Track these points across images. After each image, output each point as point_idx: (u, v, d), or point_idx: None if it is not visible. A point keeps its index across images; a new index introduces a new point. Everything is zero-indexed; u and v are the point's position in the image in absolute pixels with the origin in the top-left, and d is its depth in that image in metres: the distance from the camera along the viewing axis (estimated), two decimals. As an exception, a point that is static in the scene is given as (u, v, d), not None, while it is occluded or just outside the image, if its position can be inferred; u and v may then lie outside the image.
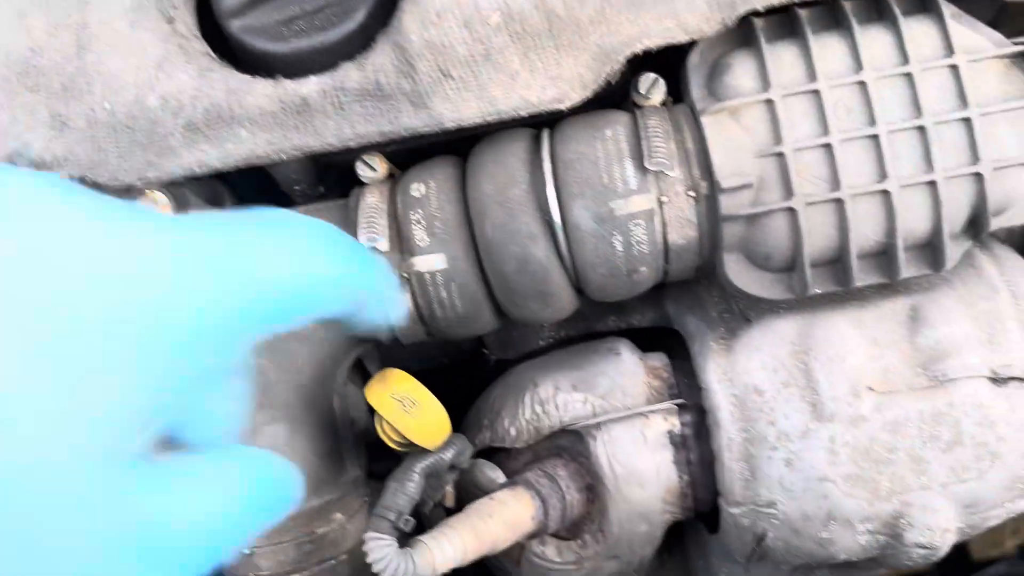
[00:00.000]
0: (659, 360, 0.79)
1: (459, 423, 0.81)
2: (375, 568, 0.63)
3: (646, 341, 0.81)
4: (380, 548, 0.63)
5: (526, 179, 0.65)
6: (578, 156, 0.65)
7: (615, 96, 0.67)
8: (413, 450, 0.70)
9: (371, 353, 0.84)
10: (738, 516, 0.70)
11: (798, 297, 0.66)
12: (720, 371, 0.70)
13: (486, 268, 0.67)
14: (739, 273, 0.65)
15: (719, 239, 0.64)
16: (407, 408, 0.67)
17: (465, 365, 0.93)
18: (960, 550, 1.38)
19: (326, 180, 0.76)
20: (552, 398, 0.77)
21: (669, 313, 0.82)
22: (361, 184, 0.70)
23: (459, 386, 0.85)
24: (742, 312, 0.73)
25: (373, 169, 0.69)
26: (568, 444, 0.78)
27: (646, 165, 0.63)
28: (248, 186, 0.78)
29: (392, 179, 0.71)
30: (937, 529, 0.64)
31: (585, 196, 0.64)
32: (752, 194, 0.63)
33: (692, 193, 0.64)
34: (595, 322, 0.88)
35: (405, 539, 0.66)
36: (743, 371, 0.69)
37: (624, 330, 0.86)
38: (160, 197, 0.67)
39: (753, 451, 0.68)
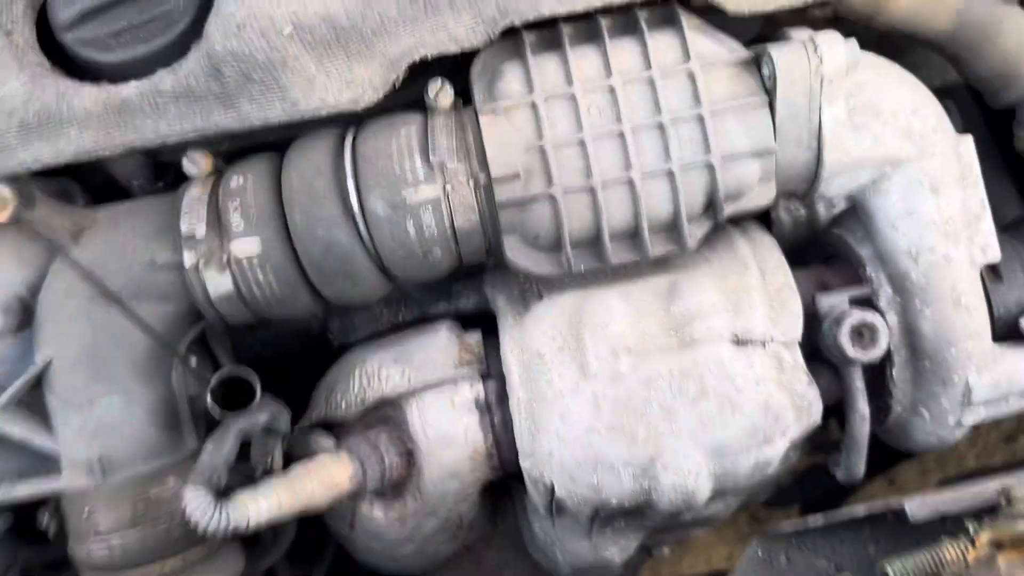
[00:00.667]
0: (473, 337, 0.88)
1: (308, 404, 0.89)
2: (191, 518, 0.71)
3: (479, 323, 0.90)
4: (196, 499, 0.71)
5: (330, 172, 0.74)
6: (375, 151, 0.74)
7: (421, 99, 0.76)
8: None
9: (221, 338, 0.92)
10: (529, 468, 0.79)
11: (566, 273, 0.76)
12: (513, 341, 0.80)
13: (298, 252, 0.75)
14: (517, 253, 0.75)
15: (498, 223, 0.74)
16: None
17: (312, 350, 1.01)
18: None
19: (165, 177, 0.84)
20: (376, 372, 0.86)
21: (487, 294, 0.91)
22: (187, 178, 0.78)
23: (311, 370, 0.94)
24: (537, 290, 0.83)
25: (197, 165, 0.78)
26: (392, 413, 0.86)
27: (431, 158, 0.72)
28: (96, 182, 0.86)
29: (219, 175, 0.79)
30: (688, 472, 0.73)
31: (380, 186, 0.73)
32: (522, 183, 0.73)
33: (473, 182, 0.73)
34: (428, 307, 0.97)
35: (224, 496, 0.74)
36: (530, 339, 0.79)
37: (455, 314, 0.95)
38: (4, 191, 0.75)
39: (536, 408, 0.77)
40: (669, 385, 0.74)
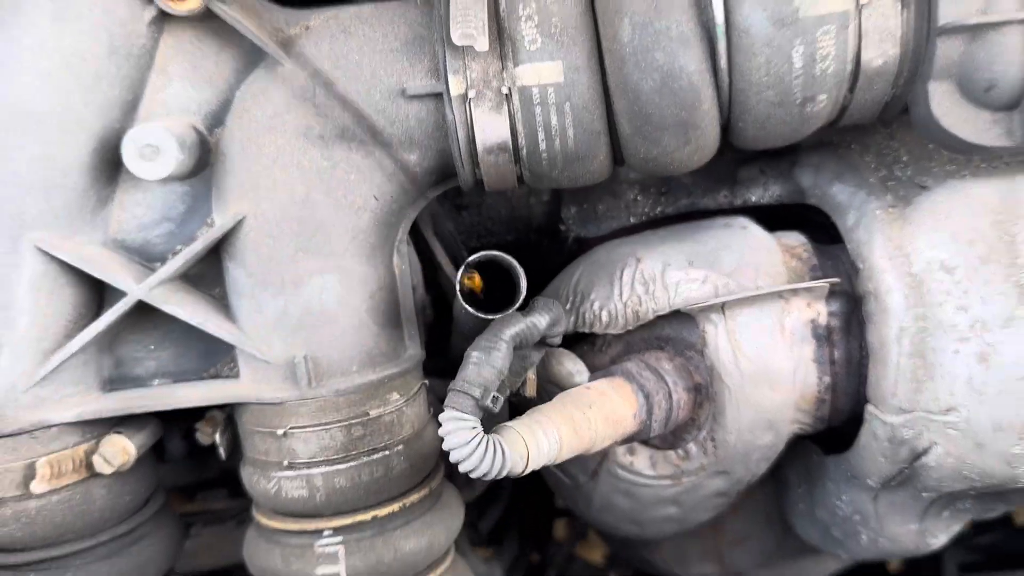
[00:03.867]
0: (795, 239, 0.64)
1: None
2: (454, 456, 0.48)
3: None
4: (462, 432, 0.49)
5: None
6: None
7: None
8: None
9: (425, 218, 0.69)
10: (897, 426, 0.56)
11: (1017, 148, 0.51)
12: (892, 245, 0.56)
13: (613, 85, 0.51)
14: (949, 109, 0.50)
15: (929, 61, 0.49)
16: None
17: (533, 245, 0.78)
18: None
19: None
20: (659, 276, 0.62)
21: (803, 185, 0.67)
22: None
23: (528, 269, 0.70)
24: (911, 179, 0.58)
25: (469, -49, 0.53)
26: (674, 334, 0.63)
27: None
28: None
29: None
30: None
31: (759, -5, 0.48)
32: (982, 2, 0.48)
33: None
34: (701, 198, 0.73)
35: (490, 423, 0.51)
36: (926, 245, 0.55)
37: (738, 208, 0.71)
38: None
39: (933, 344, 0.53)
40: None
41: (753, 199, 0.71)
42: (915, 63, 0.50)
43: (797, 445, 0.70)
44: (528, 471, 0.51)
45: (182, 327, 0.57)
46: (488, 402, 0.51)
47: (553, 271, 0.72)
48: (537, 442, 0.51)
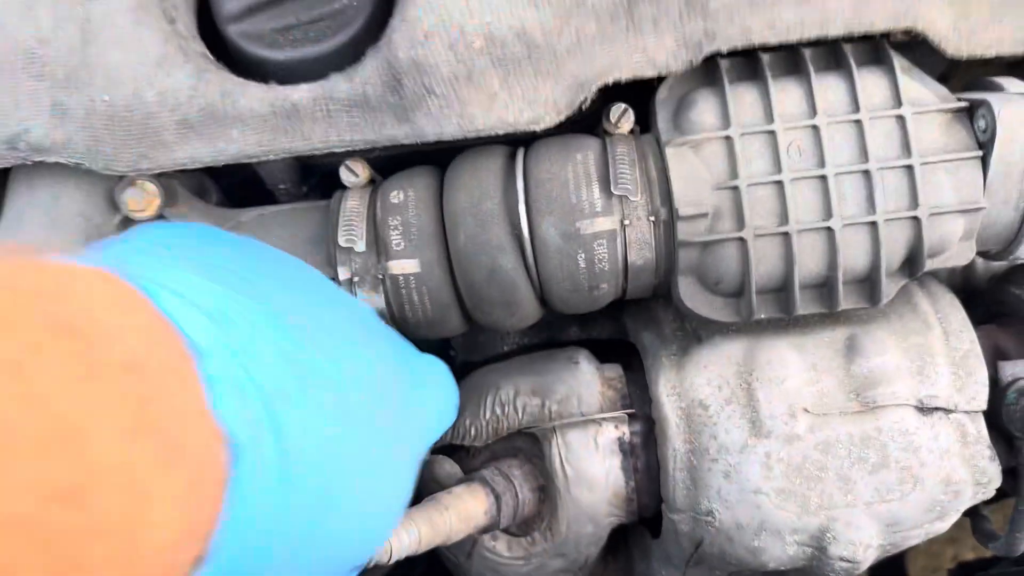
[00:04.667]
0: (614, 371, 0.83)
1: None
2: (333, 551, 0.67)
3: (605, 351, 0.86)
4: (339, 533, 0.67)
5: (499, 194, 0.69)
6: (550, 176, 0.69)
7: (587, 121, 0.71)
8: (376, 442, 0.74)
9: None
10: (678, 523, 0.75)
11: (744, 321, 0.71)
12: (670, 385, 0.75)
13: (456, 275, 0.71)
14: (691, 295, 0.70)
15: (675, 262, 0.69)
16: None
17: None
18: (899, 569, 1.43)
19: (309, 180, 0.80)
20: (512, 401, 0.81)
21: (627, 327, 0.87)
22: (343, 187, 0.74)
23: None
24: (694, 331, 0.78)
25: (355, 175, 0.73)
26: (524, 445, 0.82)
27: (612, 190, 0.67)
28: (233, 180, 0.81)
29: (373, 184, 0.75)
30: (859, 544, 0.69)
31: (554, 214, 0.68)
32: (707, 223, 0.68)
33: (652, 218, 0.68)
34: (558, 332, 0.93)
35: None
36: (691, 386, 0.74)
37: (584, 340, 0.91)
38: (150, 187, 0.71)
39: (695, 462, 0.72)
40: (848, 452, 0.69)
41: (595, 334, 0.90)
42: (668, 263, 0.70)
43: (634, 529, 0.89)
44: (393, 559, 0.69)
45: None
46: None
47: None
48: (399, 539, 0.69)
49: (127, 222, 0.73)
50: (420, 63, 0.65)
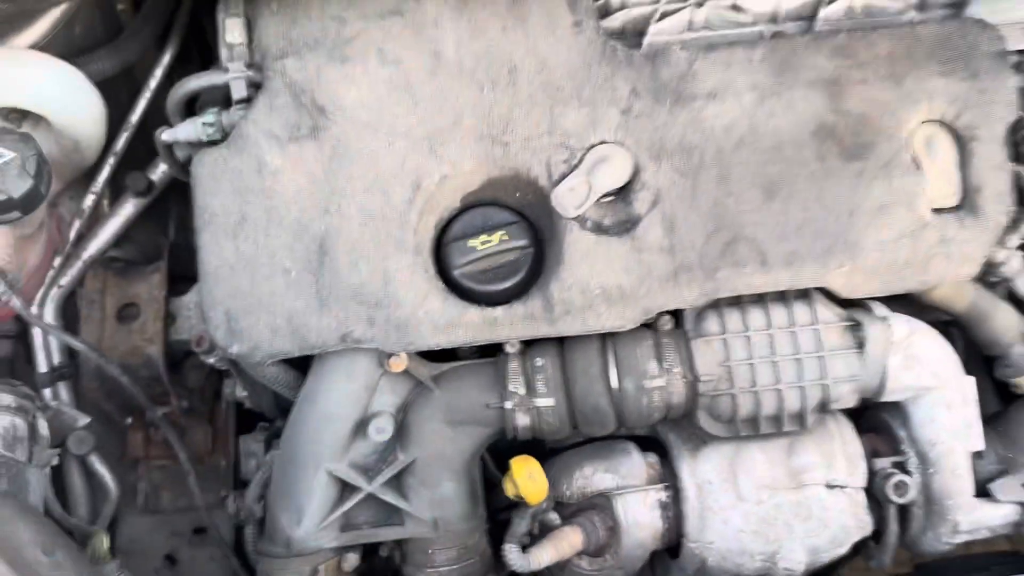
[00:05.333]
0: (653, 458, 1.40)
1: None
2: (511, 562, 1.23)
3: (642, 444, 1.43)
4: (513, 551, 1.23)
5: (599, 364, 1.26)
6: (628, 354, 1.26)
7: (647, 323, 1.29)
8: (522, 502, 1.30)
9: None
10: (693, 548, 1.31)
11: (733, 436, 1.28)
12: (689, 469, 1.32)
13: (574, 407, 1.27)
14: (705, 421, 1.28)
15: (696, 403, 1.27)
16: (533, 478, 1.27)
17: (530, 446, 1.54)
18: None
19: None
20: (592, 475, 1.38)
21: (658, 431, 1.44)
22: (505, 354, 1.30)
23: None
24: (702, 437, 1.35)
25: (514, 346, 1.29)
26: (599, 501, 1.38)
27: (662, 363, 1.25)
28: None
29: (523, 352, 1.31)
30: (796, 562, 1.26)
31: (630, 375, 1.25)
32: (714, 383, 1.26)
33: (685, 379, 1.26)
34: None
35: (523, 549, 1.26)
36: (702, 470, 1.31)
37: (627, 435, 1.47)
38: (404, 356, 1.26)
39: (706, 514, 1.30)
40: (791, 511, 1.27)
41: (636, 432, 1.47)
42: (692, 403, 1.27)
43: (659, 555, 1.45)
44: (539, 568, 1.25)
45: (377, 501, 1.30)
46: (520, 541, 1.25)
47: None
48: (540, 557, 1.25)
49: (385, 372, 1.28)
50: (564, 299, 1.22)
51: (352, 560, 1.30)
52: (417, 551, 1.30)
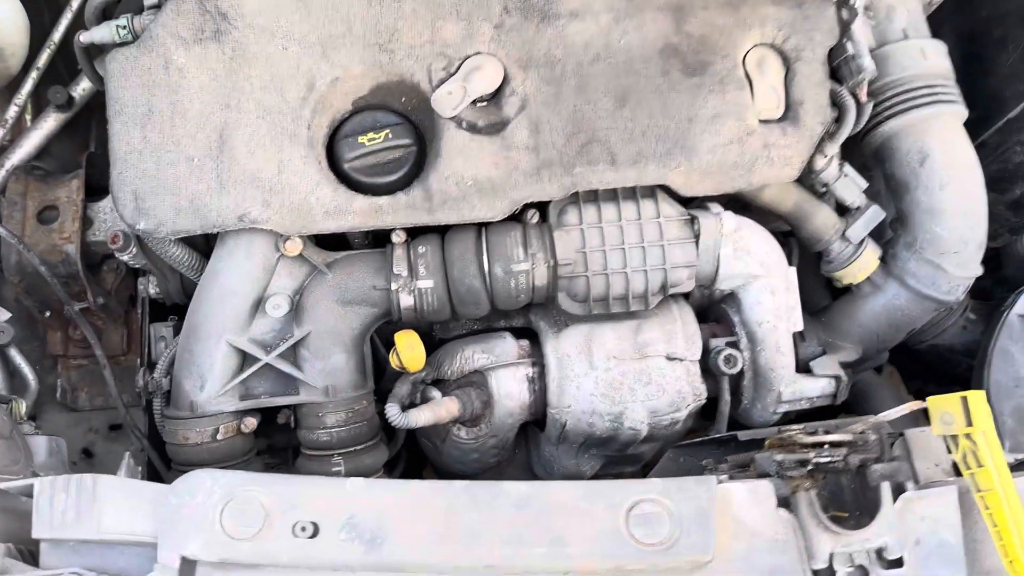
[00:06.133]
0: (524, 342, 1.59)
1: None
2: (390, 419, 1.41)
3: (516, 332, 1.62)
4: (392, 410, 1.41)
5: (473, 251, 1.44)
6: (498, 242, 1.44)
7: (515, 216, 1.47)
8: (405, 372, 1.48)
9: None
10: (554, 413, 1.51)
11: (588, 315, 1.48)
12: (552, 346, 1.52)
13: (451, 289, 1.45)
14: (565, 301, 1.48)
15: (556, 286, 1.46)
16: (412, 348, 1.44)
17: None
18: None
19: (368, 238, 1.53)
20: (472, 356, 1.56)
21: (531, 319, 1.63)
22: (391, 243, 1.47)
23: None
24: (565, 320, 1.54)
25: (400, 236, 1.47)
26: (476, 379, 1.56)
27: (527, 249, 1.44)
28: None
29: (407, 241, 1.48)
30: (638, 421, 1.47)
31: (500, 260, 1.44)
32: (572, 268, 1.45)
33: (547, 264, 1.45)
34: (493, 322, 1.68)
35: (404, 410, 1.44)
36: (562, 346, 1.51)
37: (506, 327, 1.66)
38: (296, 238, 1.42)
39: (563, 382, 1.49)
40: (634, 377, 1.47)
41: (513, 323, 1.66)
42: (553, 286, 1.47)
43: (530, 428, 1.65)
44: (415, 426, 1.43)
45: (275, 372, 1.46)
46: (400, 402, 1.43)
47: (432, 349, 1.64)
48: (418, 416, 1.43)
49: (281, 256, 1.44)
50: (441, 190, 1.40)
51: (251, 423, 1.47)
52: (310, 415, 1.47)
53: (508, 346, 1.57)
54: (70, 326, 1.88)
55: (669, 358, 1.50)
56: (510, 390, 1.53)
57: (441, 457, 1.63)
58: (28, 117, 1.91)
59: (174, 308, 1.71)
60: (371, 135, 1.44)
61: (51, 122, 1.85)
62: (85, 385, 1.94)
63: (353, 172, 1.43)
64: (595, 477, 1.67)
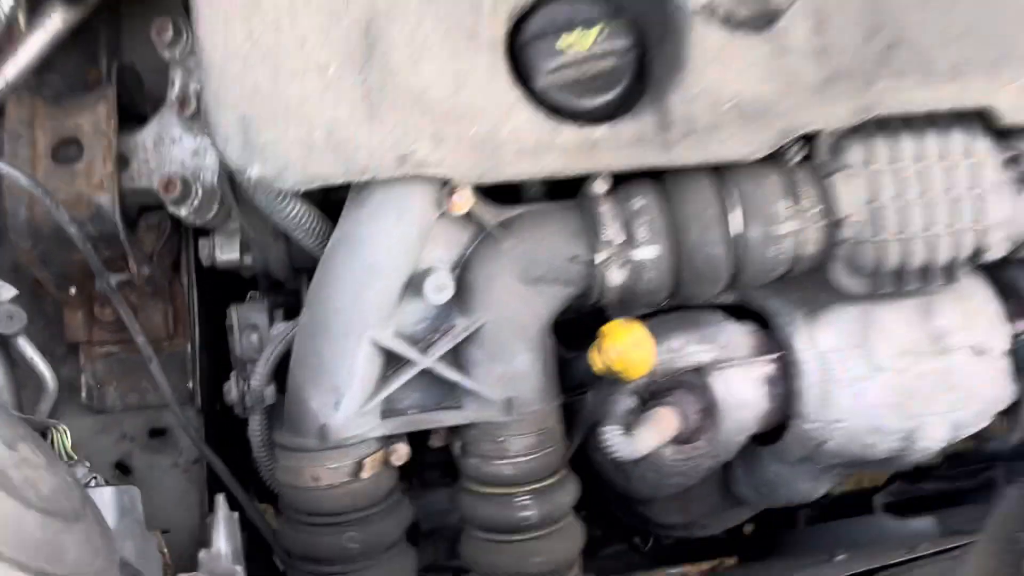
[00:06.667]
0: (751, 326, 1.16)
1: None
2: (613, 448, 0.99)
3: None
4: (615, 434, 1.00)
5: (717, 205, 1.00)
6: (753, 193, 1.00)
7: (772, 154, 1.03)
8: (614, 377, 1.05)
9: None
10: (811, 429, 1.09)
11: (870, 293, 1.05)
12: (807, 336, 1.09)
13: (682, 261, 1.01)
14: (840, 275, 1.04)
15: (831, 253, 1.03)
16: (640, 346, 1.01)
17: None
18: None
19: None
20: (683, 348, 1.13)
21: (747, 297, 1.19)
22: (587, 194, 1.02)
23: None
24: (817, 300, 1.12)
25: (603, 185, 1.01)
26: (692, 379, 1.14)
27: (797, 203, 1.00)
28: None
29: (613, 191, 1.03)
30: (936, 440, 1.06)
31: (757, 220, 1.00)
32: (857, 229, 1.01)
33: (822, 222, 1.01)
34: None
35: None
36: (825, 336, 1.08)
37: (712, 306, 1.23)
38: (466, 191, 0.96)
39: (830, 388, 1.07)
40: (932, 381, 1.06)
41: (719, 300, 1.23)
42: (826, 253, 1.03)
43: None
44: (640, 453, 1.01)
45: (430, 378, 1.02)
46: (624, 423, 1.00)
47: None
48: (645, 441, 1.01)
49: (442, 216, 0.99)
50: (687, 117, 0.95)
51: (402, 452, 1.03)
52: (484, 439, 1.03)
53: (735, 335, 1.14)
54: (95, 304, 1.40)
55: (976, 351, 1.09)
56: (744, 397, 1.11)
57: (630, 477, 1.21)
58: (22, 16, 1.39)
59: (251, 282, 1.25)
60: (575, 34, 0.97)
61: (56, 22, 1.34)
62: (113, 379, 1.45)
63: (553, 91, 0.97)
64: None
